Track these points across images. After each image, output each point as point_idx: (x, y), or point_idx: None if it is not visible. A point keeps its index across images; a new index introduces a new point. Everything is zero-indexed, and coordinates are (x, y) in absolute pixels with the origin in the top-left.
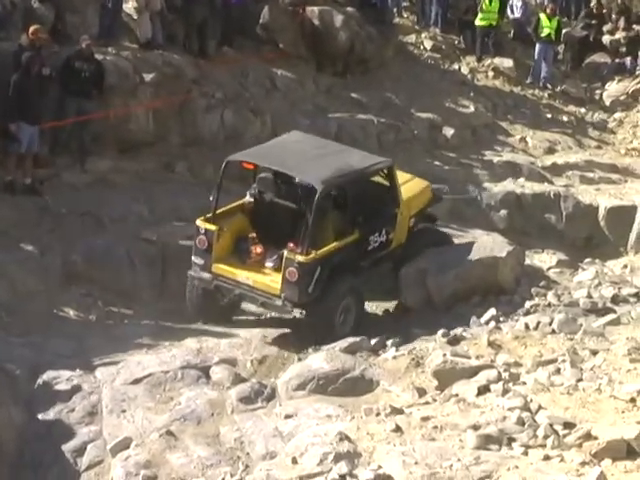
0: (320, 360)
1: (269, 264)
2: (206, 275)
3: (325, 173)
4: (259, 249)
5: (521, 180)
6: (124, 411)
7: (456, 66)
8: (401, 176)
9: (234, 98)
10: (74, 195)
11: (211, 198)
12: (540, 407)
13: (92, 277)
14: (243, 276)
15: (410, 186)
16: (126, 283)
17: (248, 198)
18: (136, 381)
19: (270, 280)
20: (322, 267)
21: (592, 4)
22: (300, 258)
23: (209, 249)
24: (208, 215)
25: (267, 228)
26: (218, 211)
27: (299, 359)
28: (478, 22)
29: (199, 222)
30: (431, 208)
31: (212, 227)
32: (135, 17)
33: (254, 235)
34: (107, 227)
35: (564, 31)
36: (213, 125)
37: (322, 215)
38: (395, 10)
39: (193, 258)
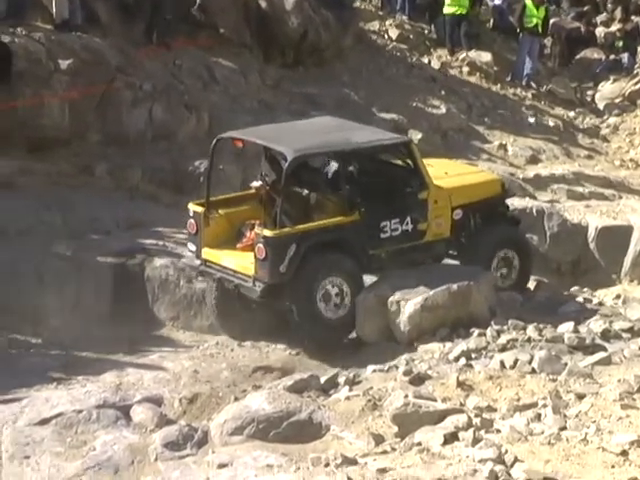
0: (261, 400)
1: None
2: (196, 262)
3: (304, 144)
4: (253, 234)
5: None
6: (28, 457)
7: (425, 59)
8: (457, 166)
9: (165, 90)
10: None
11: (201, 180)
12: (516, 459)
13: None
14: (228, 260)
15: (463, 176)
16: (34, 306)
17: (255, 183)
18: (43, 422)
19: (250, 262)
20: (298, 244)
21: None
22: (267, 232)
23: (198, 233)
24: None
25: (272, 211)
26: (228, 196)
27: (236, 398)
28: (446, 9)
29: (190, 204)
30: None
31: (199, 208)
32: None
33: (253, 221)
34: (13, 239)
35: (552, 21)
36: (140, 121)
37: (308, 189)
38: None
39: (187, 245)
